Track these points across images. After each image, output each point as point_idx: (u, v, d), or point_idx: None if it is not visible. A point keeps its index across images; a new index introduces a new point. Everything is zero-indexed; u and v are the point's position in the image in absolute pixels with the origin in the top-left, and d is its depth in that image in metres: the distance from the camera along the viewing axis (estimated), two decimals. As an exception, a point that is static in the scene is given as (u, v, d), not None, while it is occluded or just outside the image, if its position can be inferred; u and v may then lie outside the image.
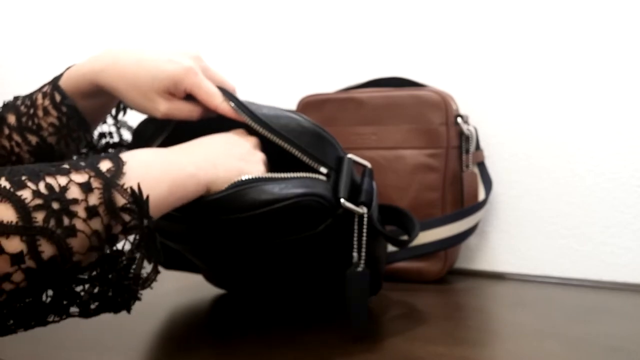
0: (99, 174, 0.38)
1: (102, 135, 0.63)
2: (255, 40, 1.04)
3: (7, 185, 0.34)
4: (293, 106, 0.84)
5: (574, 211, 0.79)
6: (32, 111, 0.53)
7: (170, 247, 0.57)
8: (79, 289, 0.38)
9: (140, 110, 0.53)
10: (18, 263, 0.34)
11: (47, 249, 0.35)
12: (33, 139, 0.53)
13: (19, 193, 0.34)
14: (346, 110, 0.80)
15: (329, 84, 0.93)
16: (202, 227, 0.50)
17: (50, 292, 0.37)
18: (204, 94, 0.51)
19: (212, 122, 0.53)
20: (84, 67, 0.53)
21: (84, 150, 0.61)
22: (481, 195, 0.79)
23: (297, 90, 0.88)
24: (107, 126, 0.62)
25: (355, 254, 0.50)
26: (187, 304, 0.67)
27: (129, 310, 0.40)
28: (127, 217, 0.38)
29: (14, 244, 0.33)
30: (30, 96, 0.54)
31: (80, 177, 0.37)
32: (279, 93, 1.01)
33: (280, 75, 1.02)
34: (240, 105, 0.51)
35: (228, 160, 0.47)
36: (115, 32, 1.04)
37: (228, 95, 0.52)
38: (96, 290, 0.38)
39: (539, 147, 0.82)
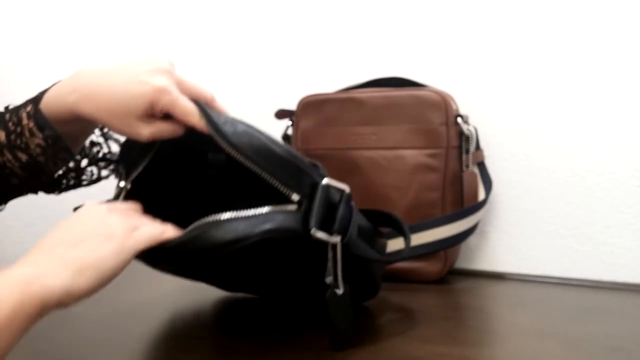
0: None
1: (93, 144, 0.62)
2: (255, 41, 1.04)
3: None
4: (293, 106, 0.84)
5: (574, 211, 0.79)
6: (19, 130, 0.52)
7: None
8: None
9: (125, 135, 0.52)
10: None
11: None
12: (23, 157, 0.53)
13: None
14: (346, 110, 0.80)
15: (329, 84, 0.93)
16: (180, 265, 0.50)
17: None
18: (180, 113, 0.49)
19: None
20: (60, 96, 0.51)
21: (75, 160, 0.61)
22: (481, 195, 0.79)
23: (297, 90, 0.88)
24: (96, 136, 0.62)
25: (329, 279, 0.48)
26: (187, 305, 0.67)
27: None
28: None
29: None
30: (17, 112, 0.53)
31: None
32: (279, 93, 1.01)
33: (280, 75, 1.02)
34: (213, 126, 0.48)
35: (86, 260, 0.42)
36: (115, 32, 1.04)
37: (203, 111, 0.50)
38: None
39: (539, 147, 0.82)
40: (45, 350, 0.51)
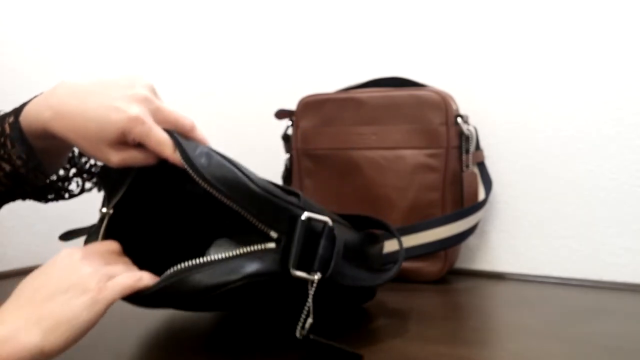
0: None
1: (81, 154, 0.62)
2: (255, 41, 1.05)
3: None
4: (293, 106, 0.84)
5: (573, 211, 0.80)
6: (2, 140, 0.52)
7: None
8: None
9: (95, 159, 0.52)
10: None
11: None
12: (6, 167, 0.53)
13: None
14: (346, 110, 0.80)
15: (329, 84, 0.93)
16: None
17: None
18: (154, 144, 0.48)
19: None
20: (37, 111, 0.50)
21: (67, 168, 0.61)
22: (481, 195, 0.79)
23: (297, 90, 0.88)
24: None
25: (301, 320, 0.46)
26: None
27: None
28: None
29: None
30: (2, 121, 0.52)
31: None
32: (279, 93, 1.01)
33: (280, 75, 1.02)
34: (186, 158, 0.47)
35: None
36: (114, 30, 1.04)
37: (177, 143, 0.48)
38: None
39: (539, 147, 0.82)
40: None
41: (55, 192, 0.61)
